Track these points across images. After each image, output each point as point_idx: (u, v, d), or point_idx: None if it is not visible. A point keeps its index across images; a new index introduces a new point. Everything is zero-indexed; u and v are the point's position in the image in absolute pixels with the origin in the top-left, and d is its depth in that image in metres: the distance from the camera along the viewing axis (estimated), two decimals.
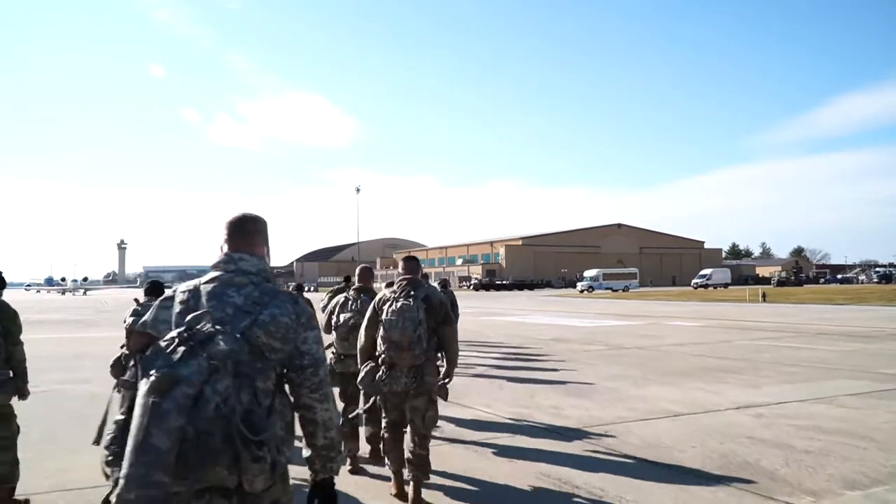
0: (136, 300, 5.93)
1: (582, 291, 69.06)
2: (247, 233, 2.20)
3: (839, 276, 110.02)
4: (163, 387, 1.69)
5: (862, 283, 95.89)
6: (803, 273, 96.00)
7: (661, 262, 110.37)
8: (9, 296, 4.90)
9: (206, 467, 1.73)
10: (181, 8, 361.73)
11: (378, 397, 4.73)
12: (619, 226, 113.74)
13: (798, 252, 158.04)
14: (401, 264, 4.92)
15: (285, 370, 2.04)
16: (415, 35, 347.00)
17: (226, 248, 2.17)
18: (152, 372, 1.73)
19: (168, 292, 2.19)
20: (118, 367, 5.80)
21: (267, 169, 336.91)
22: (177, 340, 1.80)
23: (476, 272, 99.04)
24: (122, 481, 1.66)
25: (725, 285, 78.35)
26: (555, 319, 26.26)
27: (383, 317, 4.54)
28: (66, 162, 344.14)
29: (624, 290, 70.86)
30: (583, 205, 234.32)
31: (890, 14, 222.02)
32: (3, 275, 4.82)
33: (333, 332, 5.69)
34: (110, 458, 1.86)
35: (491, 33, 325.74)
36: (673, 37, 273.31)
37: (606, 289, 71.89)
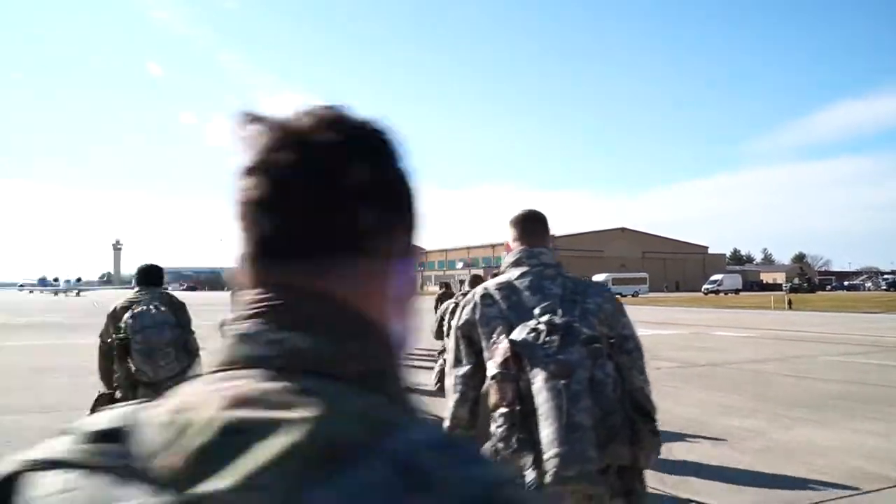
0: None
1: None
2: (539, 228, 2.26)
3: (846, 283, 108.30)
4: (565, 372, 1.71)
5: (869, 290, 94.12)
6: (811, 280, 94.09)
7: (664, 267, 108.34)
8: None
9: (614, 445, 1.75)
10: (179, 8, 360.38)
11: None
12: (623, 230, 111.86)
13: (800, 258, 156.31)
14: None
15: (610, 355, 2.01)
16: (412, 37, 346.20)
17: (518, 245, 2.22)
18: (546, 361, 1.74)
19: (479, 290, 2.15)
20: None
21: None
22: (544, 331, 1.80)
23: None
24: (555, 460, 1.66)
25: (736, 291, 76.50)
26: None
27: None
28: (62, 162, 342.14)
29: (633, 296, 68.75)
30: (583, 208, 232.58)
31: (885, 21, 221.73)
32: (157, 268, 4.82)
33: (447, 339, 5.76)
34: (515, 446, 1.79)
35: (490, 36, 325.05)
36: (673, 41, 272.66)
37: (616, 294, 69.37)
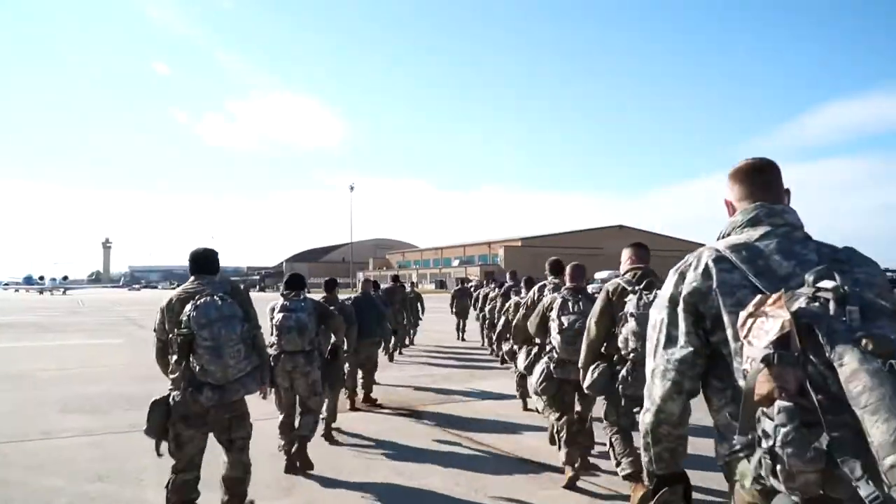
0: (283, 294, 5.80)
1: (594, 294, 65.19)
2: (774, 182, 1.92)
3: None
4: (887, 350, 1.33)
5: None
6: None
7: (662, 265, 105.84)
8: None
9: None
10: (174, 6, 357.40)
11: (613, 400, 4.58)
12: (621, 227, 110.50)
13: None
14: (629, 251, 4.71)
15: None
16: (412, 39, 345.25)
17: (748, 203, 1.88)
18: (857, 335, 1.36)
19: (707, 252, 1.78)
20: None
21: (256, 169, 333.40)
22: (831, 299, 1.44)
23: (473, 273, 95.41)
24: None
25: None
26: None
27: (631, 309, 4.28)
28: (52, 161, 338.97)
29: None
30: (580, 209, 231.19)
31: (881, 22, 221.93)
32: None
33: (559, 336, 5.22)
34: (814, 453, 1.36)
35: (488, 38, 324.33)
36: (671, 43, 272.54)
37: None
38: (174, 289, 4.30)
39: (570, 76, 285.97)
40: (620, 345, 4.38)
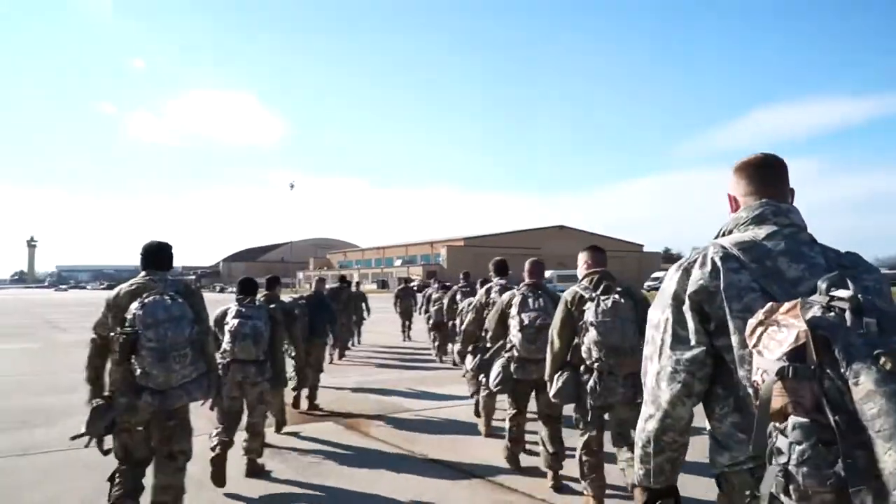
0: (237, 300, 5.48)
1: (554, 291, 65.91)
2: (783, 178, 1.84)
3: None
4: None
5: None
6: None
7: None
8: None
9: None
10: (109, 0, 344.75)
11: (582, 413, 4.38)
12: (561, 227, 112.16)
13: None
14: (585, 255, 4.56)
15: None
16: (350, 35, 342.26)
17: (754, 199, 1.80)
18: (875, 352, 1.27)
19: (712, 249, 1.71)
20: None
21: (192, 167, 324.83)
22: (847, 309, 1.35)
23: (416, 273, 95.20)
24: None
25: None
26: None
27: (591, 318, 4.17)
28: None
29: None
30: (519, 209, 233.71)
31: (816, 28, 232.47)
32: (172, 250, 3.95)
33: (519, 334, 5.11)
34: (834, 476, 1.29)
35: (431, 39, 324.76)
36: (605, 46, 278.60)
37: (561, 291, 68.87)
38: (104, 289, 3.91)
39: (511, 76, 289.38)
40: (584, 355, 4.27)
